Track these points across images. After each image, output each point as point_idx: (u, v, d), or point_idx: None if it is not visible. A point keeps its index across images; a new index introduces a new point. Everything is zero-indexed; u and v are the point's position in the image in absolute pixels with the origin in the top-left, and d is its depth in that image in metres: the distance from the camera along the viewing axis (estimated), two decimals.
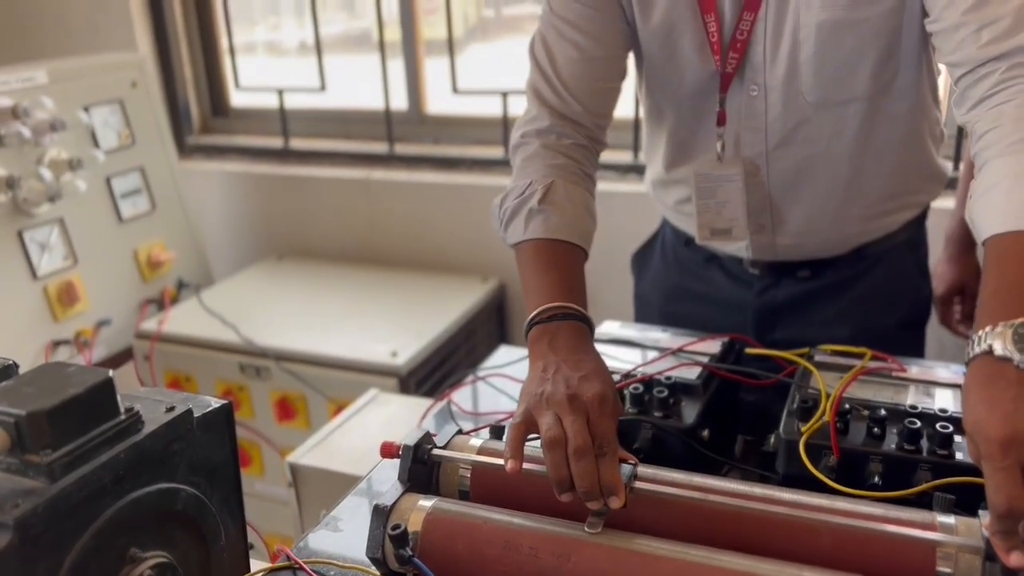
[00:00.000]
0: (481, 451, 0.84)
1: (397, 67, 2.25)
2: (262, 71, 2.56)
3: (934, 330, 1.61)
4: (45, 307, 1.81)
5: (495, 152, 2.16)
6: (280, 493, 1.76)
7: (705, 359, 1.05)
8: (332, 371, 1.69)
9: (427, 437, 0.84)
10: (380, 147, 2.28)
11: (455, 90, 2.15)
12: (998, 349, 0.72)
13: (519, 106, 2.09)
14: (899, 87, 1.06)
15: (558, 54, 1.06)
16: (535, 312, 0.91)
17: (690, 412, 0.96)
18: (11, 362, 0.92)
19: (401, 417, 1.25)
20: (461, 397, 1.16)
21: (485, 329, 2.01)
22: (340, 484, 1.10)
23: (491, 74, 2.20)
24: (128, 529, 0.74)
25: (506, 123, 2.11)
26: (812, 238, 1.16)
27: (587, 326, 0.92)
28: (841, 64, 1.02)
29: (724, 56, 1.05)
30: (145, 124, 2.05)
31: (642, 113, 1.25)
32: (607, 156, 2.03)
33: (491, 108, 2.18)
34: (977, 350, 0.74)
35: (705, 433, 0.95)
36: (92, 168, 1.86)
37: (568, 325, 0.90)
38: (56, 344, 1.81)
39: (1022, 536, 0.64)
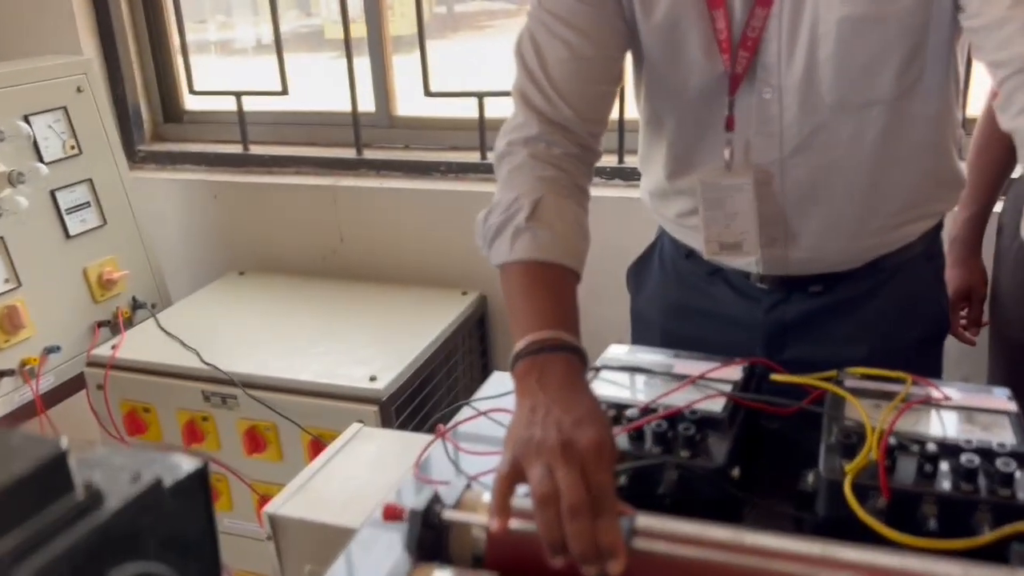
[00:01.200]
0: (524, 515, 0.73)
1: (362, 65, 2.13)
2: (216, 73, 2.42)
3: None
4: None
5: (471, 156, 2.06)
6: (251, 529, 1.64)
7: (727, 387, 0.97)
8: (305, 398, 1.57)
9: (436, 498, 0.73)
10: (347, 152, 2.16)
11: (428, 92, 2.03)
12: None
13: (496, 109, 2.01)
14: (925, 89, 0.98)
15: (548, 54, 0.98)
16: (522, 344, 0.83)
17: (719, 450, 0.87)
18: None
19: (390, 455, 1.13)
20: (454, 434, 1.05)
21: (467, 345, 1.90)
22: (326, 536, 0.99)
23: (454, 74, 2.10)
24: None
25: (483, 126, 2.01)
26: (827, 251, 1.08)
27: (580, 359, 0.84)
28: (864, 63, 0.94)
29: (734, 55, 0.97)
30: (92, 132, 1.90)
31: (640, 117, 1.15)
32: None
33: (463, 110, 2.07)
34: None
35: (736, 472, 0.87)
36: (34, 182, 1.71)
37: (559, 359, 0.82)
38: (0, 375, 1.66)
39: None
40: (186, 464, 0.75)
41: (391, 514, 0.73)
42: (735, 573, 0.67)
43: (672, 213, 1.15)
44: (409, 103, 2.19)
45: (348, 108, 2.14)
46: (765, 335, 1.13)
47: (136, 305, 1.97)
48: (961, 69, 1.04)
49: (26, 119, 1.76)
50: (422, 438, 1.13)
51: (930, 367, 1.17)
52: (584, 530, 0.66)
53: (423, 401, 1.67)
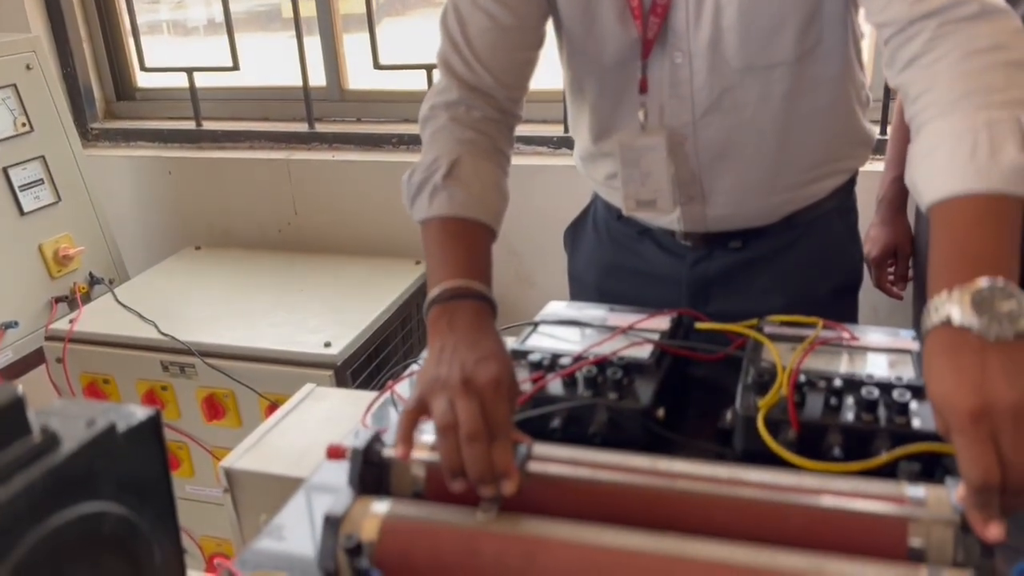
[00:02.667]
0: (434, 447, 0.79)
1: (314, 45, 2.16)
2: (169, 52, 2.43)
3: (867, 294, 1.63)
4: None
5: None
6: (213, 494, 1.68)
7: (655, 336, 1.03)
8: (262, 365, 1.61)
9: (377, 436, 0.79)
10: (300, 127, 2.19)
11: (377, 65, 2.07)
12: (956, 317, 0.69)
13: None
14: (824, 51, 1.04)
15: (470, 24, 1.02)
16: (436, 292, 0.90)
17: (645, 392, 0.93)
18: None
19: (341, 412, 1.18)
20: (404, 388, 1.10)
21: (421, 312, 1.95)
22: (280, 487, 1.04)
23: (408, 50, 2.13)
24: (51, 558, 0.67)
25: None
26: (742, 208, 1.14)
27: (489, 306, 0.91)
28: (764, 28, 1.00)
29: (645, 21, 1.02)
30: (43, 110, 1.91)
31: (564, 86, 1.19)
32: (539, 130, 2.01)
33: (415, 83, 2.10)
34: (935, 320, 0.71)
35: (661, 412, 0.93)
36: None
37: (468, 305, 0.88)
38: None
39: (998, 508, 0.62)
40: (140, 412, 0.80)
41: (334, 453, 0.78)
42: (680, 497, 0.73)
43: (601, 176, 1.20)
44: (360, 78, 2.22)
45: (300, 83, 2.16)
46: (690, 290, 1.21)
47: (93, 281, 1.99)
48: (860, 32, 1.11)
49: None
50: (372, 395, 1.18)
51: (845, 315, 1.20)
52: (479, 455, 0.72)
53: (379, 366, 1.72)
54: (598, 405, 0.92)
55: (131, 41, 2.29)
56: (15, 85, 1.85)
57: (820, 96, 1.07)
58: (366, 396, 1.21)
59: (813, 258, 1.18)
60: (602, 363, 0.95)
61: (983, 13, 0.82)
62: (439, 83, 1.05)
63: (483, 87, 1.02)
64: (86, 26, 2.31)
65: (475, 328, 0.85)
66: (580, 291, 1.32)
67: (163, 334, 1.68)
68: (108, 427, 0.72)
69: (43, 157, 1.91)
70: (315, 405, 1.22)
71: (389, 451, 0.78)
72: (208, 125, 2.25)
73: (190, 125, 2.25)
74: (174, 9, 2.65)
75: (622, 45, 1.04)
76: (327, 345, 1.60)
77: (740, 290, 1.18)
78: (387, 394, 1.09)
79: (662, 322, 1.06)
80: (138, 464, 0.77)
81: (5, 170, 1.81)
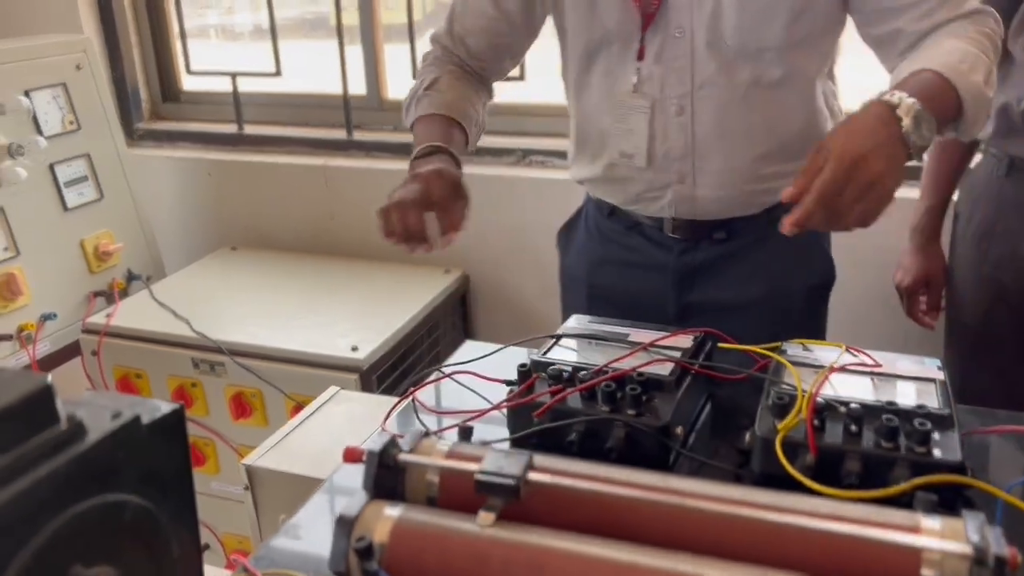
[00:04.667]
0: (450, 455, 0.80)
1: (356, 54, 2.19)
2: (215, 56, 2.48)
3: (898, 321, 1.62)
4: None
5: None
6: (236, 492, 1.71)
7: (676, 354, 1.03)
8: (290, 367, 1.63)
9: (393, 441, 0.80)
10: (338, 133, 2.22)
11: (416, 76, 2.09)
12: (900, 112, 0.90)
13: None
14: (811, 44, 1.15)
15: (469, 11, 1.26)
16: (414, 153, 1.13)
17: (664, 409, 0.93)
18: None
19: (363, 416, 1.20)
20: (426, 395, 1.11)
21: (448, 321, 1.96)
22: (300, 487, 1.05)
23: None
24: (71, 545, 0.68)
25: None
26: (729, 191, 1.22)
27: (453, 158, 1.13)
28: (759, 11, 1.10)
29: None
30: (91, 109, 1.96)
31: (565, 81, 1.29)
32: (553, 143, 2.02)
33: None
34: (887, 99, 0.92)
35: (679, 431, 0.93)
36: (33, 155, 1.77)
37: (438, 156, 1.11)
38: None
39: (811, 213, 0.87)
40: (164, 406, 0.82)
41: (351, 456, 0.79)
42: (685, 515, 0.73)
43: (600, 169, 1.27)
44: (400, 88, 2.25)
45: (340, 91, 2.20)
46: (676, 279, 1.29)
47: (131, 277, 2.03)
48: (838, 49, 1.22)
49: (27, 94, 1.82)
50: (394, 400, 1.20)
51: (817, 311, 1.34)
52: (404, 215, 0.99)
53: (404, 372, 1.74)
54: (616, 421, 0.92)
55: (178, 44, 2.35)
56: (65, 84, 1.91)
57: (804, 90, 1.18)
58: (389, 401, 1.22)
59: (787, 253, 1.24)
60: (621, 378, 0.96)
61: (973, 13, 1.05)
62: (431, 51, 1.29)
63: (461, 55, 1.26)
64: (136, 29, 2.37)
65: (438, 164, 1.08)
66: (571, 286, 1.41)
67: (195, 332, 1.72)
68: (133, 419, 0.74)
69: (88, 155, 1.96)
70: (338, 408, 1.24)
71: (405, 456, 0.79)
72: (249, 129, 2.29)
73: (232, 129, 2.29)
74: (222, 14, 2.71)
75: (623, 20, 1.15)
76: (354, 349, 1.62)
77: (721, 280, 1.27)
78: (408, 400, 1.11)
79: (684, 340, 1.06)
80: (161, 457, 0.79)
81: (52, 166, 1.87)
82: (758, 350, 1.04)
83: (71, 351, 1.88)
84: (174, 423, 0.81)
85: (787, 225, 0.90)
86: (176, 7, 2.26)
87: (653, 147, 1.20)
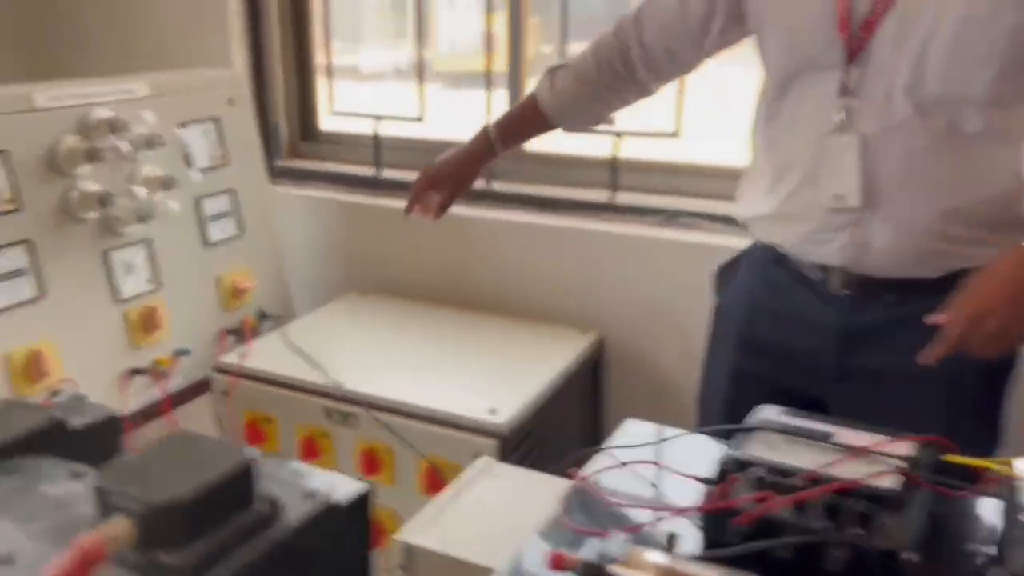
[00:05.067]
0: (661, 569, 0.70)
1: (503, 102, 2.15)
2: (353, 97, 2.48)
3: None
4: (124, 333, 1.71)
5: (599, 195, 2.04)
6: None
7: (894, 461, 0.91)
8: (425, 425, 1.56)
9: (602, 554, 0.70)
10: (477, 183, 2.16)
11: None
12: None
13: (628, 148, 2.00)
14: (1019, 102, 1.07)
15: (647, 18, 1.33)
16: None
17: (898, 530, 0.81)
18: (114, 415, 0.81)
19: (521, 494, 1.11)
20: (595, 476, 1.01)
21: (580, 385, 1.86)
22: (462, 572, 0.96)
23: None
24: None
25: (615, 165, 1.99)
26: (909, 243, 1.14)
27: (486, 141, 1.51)
28: (968, 60, 1.05)
29: (851, 34, 1.09)
30: (239, 144, 1.97)
31: (755, 117, 1.27)
32: (703, 205, 1.91)
33: (594, 147, 2.06)
34: None
35: (915, 557, 0.80)
36: (186, 188, 1.77)
37: (474, 139, 1.54)
38: (133, 372, 1.71)
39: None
40: (352, 486, 0.74)
41: (559, 563, 0.70)
42: None
43: (775, 204, 1.22)
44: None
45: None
46: (838, 339, 1.21)
47: (262, 316, 2.01)
48: None
49: (182, 126, 1.83)
50: (551, 479, 1.10)
51: (997, 396, 1.22)
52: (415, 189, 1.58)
53: (542, 439, 1.64)
54: (839, 540, 0.80)
55: (320, 83, 2.36)
56: (217, 119, 1.92)
57: (1005, 150, 1.09)
58: (544, 480, 1.13)
59: None
60: (843, 490, 0.84)
61: None
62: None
63: (630, 42, 1.34)
64: (282, 63, 2.39)
65: (459, 149, 1.56)
66: (722, 328, 1.37)
67: (330, 380, 1.66)
68: (331, 502, 0.67)
69: (234, 190, 1.96)
70: (492, 482, 1.15)
71: (618, 570, 0.69)
72: (388, 174, 2.27)
73: (370, 172, 2.27)
74: (365, 54, 2.72)
75: (827, 51, 1.11)
76: (492, 412, 1.53)
77: (889, 346, 1.17)
78: (577, 482, 1.01)
79: (903, 447, 0.94)
80: (347, 542, 0.72)
81: (198, 200, 1.86)
82: (990, 465, 0.91)
83: (200, 387, 1.85)
84: (362, 504, 0.73)
85: (925, 356, 1.02)
86: (325, 47, 2.26)
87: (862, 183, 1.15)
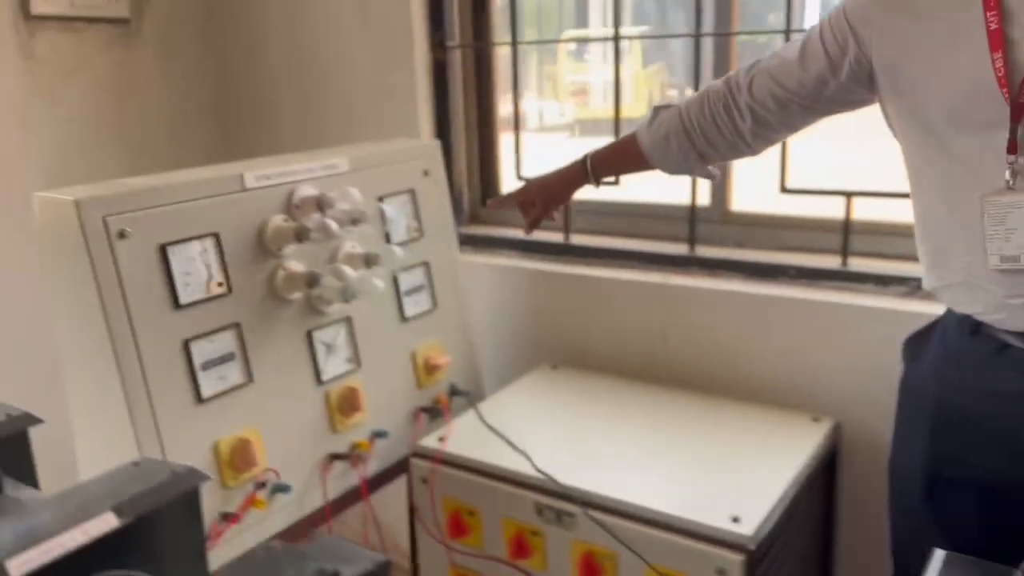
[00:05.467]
0: None
1: None
2: (533, 152, 2.38)
3: None
4: (325, 416, 1.63)
5: (827, 261, 1.83)
6: None
7: None
8: (654, 530, 1.38)
9: None
10: (677, 248, 2.01)
11: (785, 188, 1.84)
12: None
13: (864, 209, 1.79)
14: None
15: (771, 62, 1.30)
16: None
17: None
18: (385, 561, 0.70)
19: None
20: None
21: (818, 484, 1.64)
22: None
23: (814, 174, 1.88)
24: None
25: (847, 229, 1.78)
26: None
27: (583, 168, 1.54)
28: None
29: (1013, 89, 1.03)
30: (433, 215, 1.89)
31: (913, 188, 1.22)
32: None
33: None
34: None
35: None
36: (388, 264, 1.69)
37: (571, 163, 1.57)
38: (332, 458, 1.63)
39: None
40: None
41: None
42: None
43: (957, 273, 1.16)
44: (750, 199, 2.01)
45: (677, 200, 2.00)
46: None
47: (453, 392, 1.90)
48: None
49: (380, 200, 1.76)
50: None
51: None
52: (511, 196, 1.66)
53: (783, 552, 1.43)
54: None
55: (503, 142, 2.28)
56: (413, 191, 1.84)
57: None
58: None
59: None
60: None
61: None
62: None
63: (734, 91, 1.33)
64: (466, 129, 2.32)
65: (555, 172, 1.60)
66: (915, 404, 1.28)
67: (539, 472, 1.52)
68: None
69: (427, 263, 1.87)
70: None
71: None
72: (576, 239, 2.14)
73: (558, 238, 2.15)
74: (539, 110, 2.64)
75: (989, 109, 1.06)
76: (736, 520, 1.34)
77: None
78: None
79: None
80: None
81: (395, 275, 1.79)
82: None
83: (396, 470, 1.76)
84: None
85: None
86: (515, 104, 2.17)
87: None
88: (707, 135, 1.36)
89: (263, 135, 2.50)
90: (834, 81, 1.21)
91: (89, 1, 2.20)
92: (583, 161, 1.54)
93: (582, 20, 2.42)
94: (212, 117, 2.54)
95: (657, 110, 1.43)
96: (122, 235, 1.33)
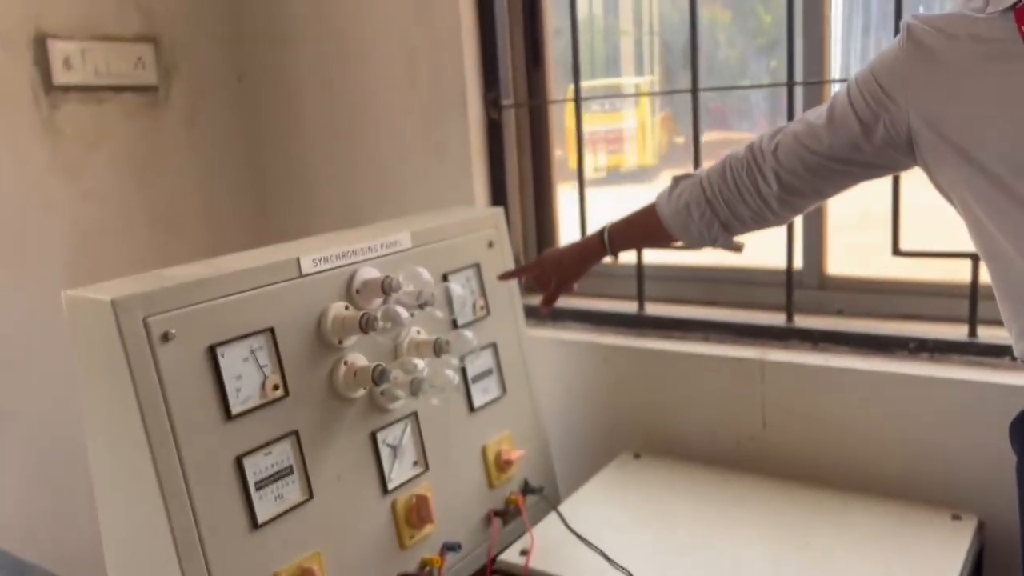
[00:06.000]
0: None
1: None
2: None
3: None
4: (392, 530, 1.41)
5: (951, 331, 1.61)
6: None
7: None
8: None
9: None
10: (772, 318, 1.80)
11: (897, 251, 1.64)
12: None
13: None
14: None
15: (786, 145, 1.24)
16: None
17: None
18: None
19: None
20: None
21: None
22: None
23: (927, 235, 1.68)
24: None
25: (975, 293, 1.57)
26: None
27: (600, 240, 1.51)
28: None
29: None
30: (499, 290, 1.69)
31: (992, 275, 1.11)
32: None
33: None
34: None
35: None
36: (458, 350, 1.49)
37: (595, 234, 1.52)
38: None
39: None
40: None
41: None
42: None
43: None
44: (847, 262, 1.81)
45: (767, 263, 1.80)
46: None
47: (527, 489, 1.68)
48: None
49: (445, 278, 1.57)
50: None
51: None
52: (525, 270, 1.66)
53: None
54: None
55: (558, 202, 2.10)
56: (478, 264, 1.65)
57: None
58: None
59: None
60: None
61: None
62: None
63: (759, 159, 1.27)
64: (520, 194, 2.14)
65: (573, 244, 1.59)
66: None
67: None
68: None
69: (494, 344, 1.67)
70: None
71: None
72: (652, 309, 1.94)
73: (632, 308, 1.95)
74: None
75: None
76: None
77: None
78: None
79: None
80: None
81: (463, 361, 1.58)
82: None
83: None
84: None
85: None
86: (578, 168, 1.99)
87: None
88: (730, 204, 1.30)
89: (300, 205, 2.32)
90: (868, 146, 1.15)
91: (115, 69, 2.04)
92: (600, 234, 1.50)
93: (613, 69, 2.27)
94: (245, 189, 2.37)
95: (677, 180, 1.38)
96: (166, 338, 1.13)
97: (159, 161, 2.18)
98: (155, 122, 2.17)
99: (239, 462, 1.20)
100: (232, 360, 1.20)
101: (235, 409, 1.20)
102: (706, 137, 1.86)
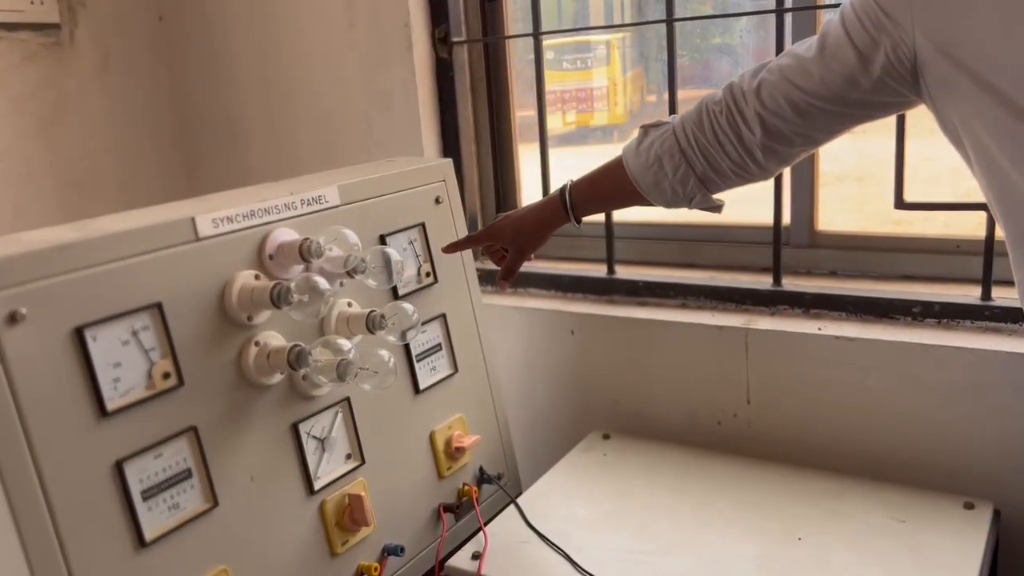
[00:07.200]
0: None
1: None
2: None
3: None
4: (321, 536, 1.21)
5: (962, 293, 1.42)
6: None
7: None
8: None
9: None
10: (757, 281, 1.60)
11: (901, 203, 1.44)
12: None
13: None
14: None
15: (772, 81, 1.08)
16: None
17: None
18: None
19: None
20: None
21: None
22: None
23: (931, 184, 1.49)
24: None
25: (990, 250, 1.38)
26: None
27: (562, 202, 1.30)
28: None
29: None
30: (444, 255, 1.47)
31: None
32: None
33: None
34: None
35: None
36: (399, 326, 1.27)
37: (555, 196, 1.32)
38: None
39: None
40: None
41: None
42: None
43: None
44: (840, 219, 1.61)
45: (751, 219, 1.61)
46: None
47: (483, 479, 1.49)
48: None
49: (382, 240, 1.35)
50: None
51: None
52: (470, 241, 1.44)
53: None
54: None
55: (519, 157, 1.88)
56: (423, 224, 1.43)
57: None
58: None
59: None
60: None
61: None
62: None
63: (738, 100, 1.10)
64: (476, 144, 1.92)
65: (530, 208, 1.37)
66: None
67: None
68: None
69: (443, 316, 1.46)
70: None
71: None
72: (623, 272, 1.73)
73: (600, 271, 1.74)
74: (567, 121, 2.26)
75: None
76: None
77: None
78: None
79: None
80: None
81: (404, 335, 1.36)
82: None
83: None
84: None
85: None
86: (539, 116, 1.76)
87: None
88: (708, 155, 1.13)
89: (231, 162, 2.08)
90: (866, 79, 1.00)
91: (5, 3, 1.78)
92: (562, 194, 1.30)
93: (583, 21, 2.05)
94: (168, 144, 2.12)
95: (646, 129, 1.20)
96: (13, 319, 0.91)
97: (66, 112, 1.93)
98: (60, 65, 1.91)
99: (119, 468, 0.98)
100: (107, 344, 0.98)
101: (111, 404, 0.97)
102: (682, 94, 1.64)
